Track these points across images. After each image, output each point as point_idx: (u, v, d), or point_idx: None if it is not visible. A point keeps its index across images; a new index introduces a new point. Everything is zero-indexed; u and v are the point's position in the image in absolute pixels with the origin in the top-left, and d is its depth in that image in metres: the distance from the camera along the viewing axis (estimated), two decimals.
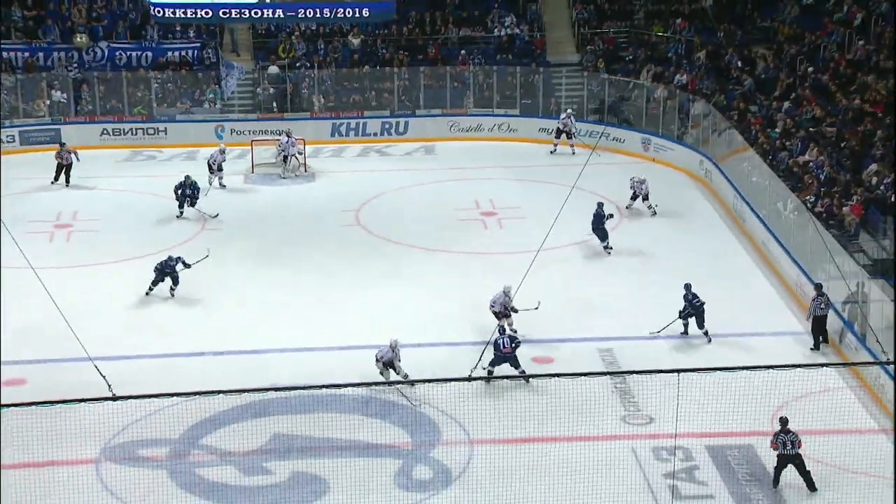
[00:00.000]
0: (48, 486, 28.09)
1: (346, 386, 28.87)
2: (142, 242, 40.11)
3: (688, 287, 34.62)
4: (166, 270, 34.37)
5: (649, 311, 35.79)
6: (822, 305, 33.74)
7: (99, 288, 37.90)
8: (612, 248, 40.39)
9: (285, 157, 49.07)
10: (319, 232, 43.07)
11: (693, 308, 34.36)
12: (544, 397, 30.51)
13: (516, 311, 32.93)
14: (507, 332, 31.64)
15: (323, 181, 49.24)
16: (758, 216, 41.78)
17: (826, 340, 34.12)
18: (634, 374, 31.57)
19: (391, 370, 29.97)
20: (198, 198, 42.98)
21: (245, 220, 44.43)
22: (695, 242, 40.89)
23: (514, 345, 30.94)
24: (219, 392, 29.09)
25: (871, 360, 31.66)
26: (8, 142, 51.41)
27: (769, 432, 29.94)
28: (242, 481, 28.55)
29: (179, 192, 43.05)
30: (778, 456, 26.30)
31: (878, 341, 30.49)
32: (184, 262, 32.94)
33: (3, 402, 28.66)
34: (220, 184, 45.61)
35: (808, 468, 26.24)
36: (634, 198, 44.57)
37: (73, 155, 44.55)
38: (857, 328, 33.53)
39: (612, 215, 40.83)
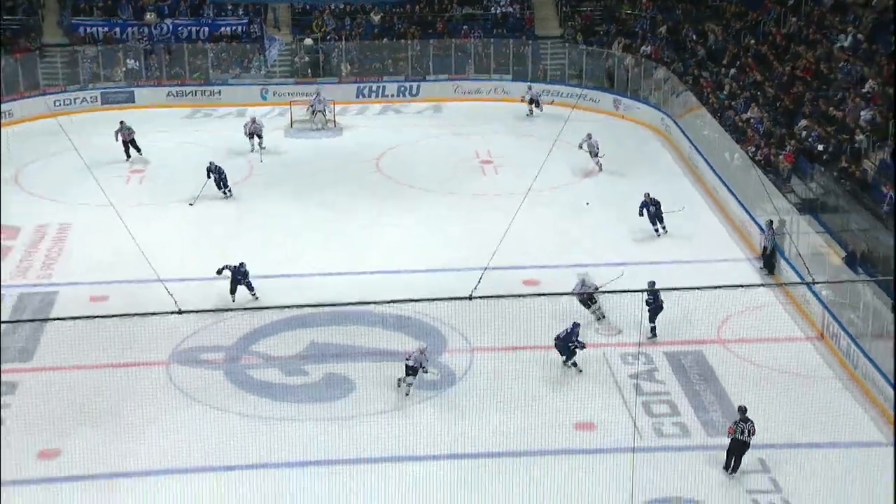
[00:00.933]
0: (131, 382, 28.46)
1: (369, 303, 28.98)
2: (201, 185, 40.07)
3: (646, 195, 36.03)
4: (240, 279, 32.15)
5: (619, 240, 35.96)
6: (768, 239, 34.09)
7: (167, 222, 38.02)
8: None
9: (314, 112, 49.30)
10: (347, 176, 43.05)
11: (654, 206, 35.93)
12: (532, 314, 30.61)
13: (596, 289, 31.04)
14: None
15: (349, 134, 49.17)
16: (709, 164, 41.76)
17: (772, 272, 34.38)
18: (606, 294, 31.72)
19: (417, 373, 28.01)
20: (225, 179, 40.69)
21: (286, 166, 44.43)
22: (658, 186, 40.87)
23: (577, 343, 28.71)
24: (265, 308, 29.43)
25: (799, 280, 31.83)
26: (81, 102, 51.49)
27: (717, 340, 30.28)
28: (284, 381, 28.78)
29: (210, 177, 40.81)
30: (732, 440, 24.57)
31: (804, 265, 30.64)
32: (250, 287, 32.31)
33: (91, 314, 28.94)
34: (261, 146, 44.93)
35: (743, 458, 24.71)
36: (595, 155, 42.92)
37: (131, 132, 43.76)
38: (788, 255, 33.67)
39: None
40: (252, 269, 32.98)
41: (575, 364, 28.78)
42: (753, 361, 29.45)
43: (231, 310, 28.98)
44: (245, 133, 44.97)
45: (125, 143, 43.34)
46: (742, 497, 24.35)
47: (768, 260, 34.47)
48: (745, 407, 24.63)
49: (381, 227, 38.03)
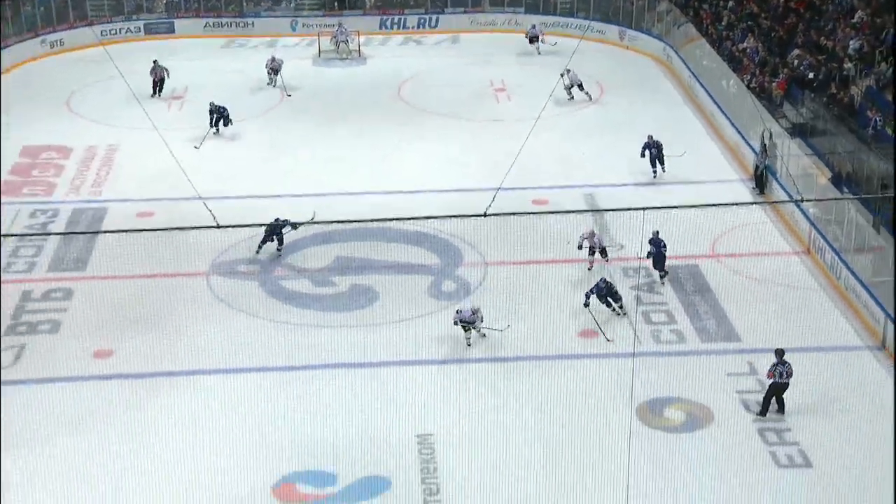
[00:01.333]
0: (174, 291, 28.82)
1: (391, 220, 29.18)
2: (237, 109, 40.04)
3: (649, 137, 35.01)
4: (275, 232, 30.08)
5: (623, 164, 35.96)
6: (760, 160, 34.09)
7: (206, 144, 38.08)
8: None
9: (337, 43, 49.14)
10: (370, 102, 42.96)
11: (656, 147, 34.79)
12: (542, 230, 30.80)
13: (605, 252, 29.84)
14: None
15: (372, 63, 48.95)
16: (707, 91, 41.56)
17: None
18: (610, 212, 31.84)
19: (472, 330, 26.53)
20: (228, 117, 38.95)
21: (313, 93, 44.31)
22: (658, 113, 40.77)
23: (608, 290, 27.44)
24: (294, 223, 29.57)
25: (788, 199, 31.88)
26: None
27: (711, 255, 30.42)
28: (314, 291, 29.06)
29: (212, 117, 39.02)
30: (771, 385, 23.46)
31: (794, 184, 30.73)
32: (291, 225, 30.13)
33: (138, 228, 29.28)
34: (284, 85, 44.10)
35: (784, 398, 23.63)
36: (569, 88, 41.31)
37: (164, 71, 43.27)
38: (779, 175, 33.71)
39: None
40: (282, 189, 33.12)
41: (621, 307, 27.75)
42: (744, 274, 29.63)
43: (266, 225, 29.15)
44: (266, 69, 44.60)
45: (155, 82, 42.76)
46: (731, 397, 24.61)
47: (760, 180, 34.50)
48: (782, 350, 23.60)
49: (401, 151, 38.05)
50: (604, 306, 27.49)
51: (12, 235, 31.33)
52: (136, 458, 22.73)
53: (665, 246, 28.67)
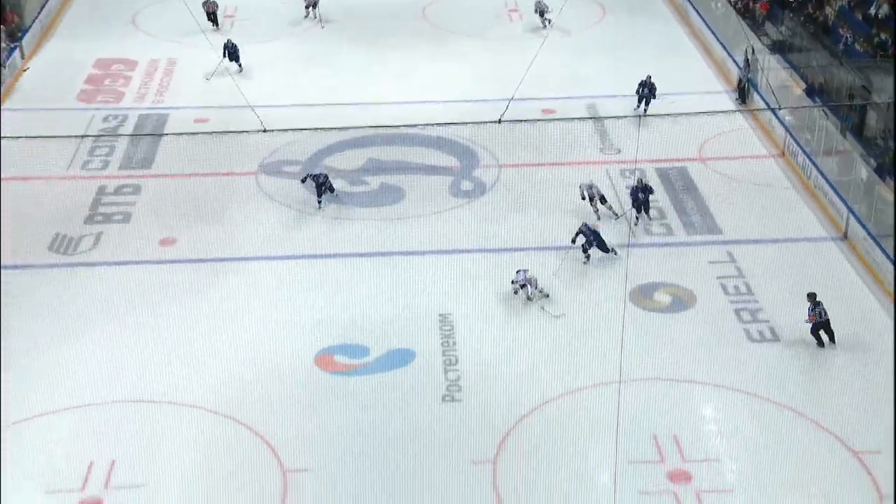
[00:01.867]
0: (228, 187, 28.95)
1: (416, 126, 29.20)
2: (279, 29, 39.64)
3: (648, 77, 32.94)
4: (324, 185, 27.73)
5: (622, 79, 35.48)
6: (743, 73, 33.63)
7: (255, 58, 37.76)
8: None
9: None
10: (397, 24, 42.24)
11: (649, 88, 32.70)
12: (551, 138, 30.78)
13: (605, 201, 27.27)
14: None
15: None
16: (696, 11, 40.96)
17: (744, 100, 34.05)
18: (609, 119, 31.74)
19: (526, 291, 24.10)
20: (238, 56, 36.47)
21: (345, 15, 43.58)
22: (651, 33, 40.09)
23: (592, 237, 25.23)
24: (332, 129, 29.52)
25: (766, 107, 31.70)
26: None
27: (697, 158, 30.32)
28: (349, 189, 29.09)
29: (225, 52, 36.28)
30: (815, 324, 22.16)
31: (773, 95, 30.54)
32: (330, 187, 27.94)
33: (192, 131, 29.35)
34: (320, 17, 41.97)
35: (832, 328, 22.27)
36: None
37: (215, 5, 41.86)
38: (759, 87, 33.47)
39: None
40: (320, 99, 32.98)
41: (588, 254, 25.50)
42: (727, 174, 29.58)
43: (304, 129, 29.08)
44: (305, 4, 43.51)
45: (209, 14, 41.42)
46: (713, 282, 24.77)
47: (742, 92, 34.24)
48: (813, 293, 22.37)
49: (426, 65, 37.69)
50: (593, 251, 25.38)
51: (87, 136, 31.50)
52: (194, 332, 23.11)
53: (652, 190, 27.24)
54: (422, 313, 23.65)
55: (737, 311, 23.76)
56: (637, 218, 27.09)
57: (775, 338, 22.88)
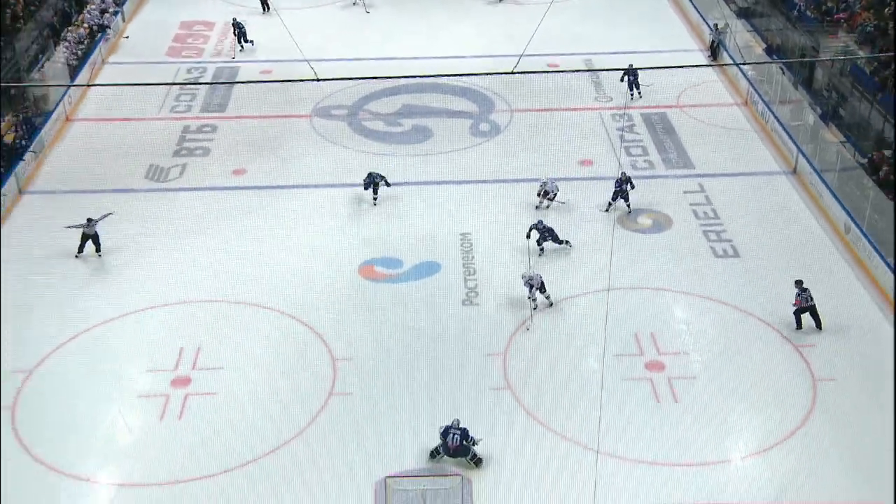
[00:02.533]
0: (288, 128, 28.74)
1: (442, 76, 28.81)
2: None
3: (630, 65, 29.50)
4: (375, 180, 24.53)
5: (612, 38, 34.86)
6: (714, 35, 32.91)
7: (309, 20, 37.04)
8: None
9: None
10: None
11: (633, 75, 29.46)
12: (555, 88, 30.41)
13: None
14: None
15: None
16: None
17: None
18: (602, 72, 31.25)
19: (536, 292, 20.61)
20: (245, 34, 33.93)
21: None
22: (638, 1, 38.89)
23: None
24: (371, 77, 29.19)
25: (733, 62, 31.18)
26: None
27: (676, 105, 29.90)
28: (385, 129, 28.90)
29: (234, 30, 34.04)
30: (801, 307, 19.79)
31: (739, 53, 30.01)
32: (386, 182, 24.80)
33: (258, 80, 29.03)
34: (365, 2, 39.48)
35: (818, 314, 19.93)
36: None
37: None
38: (728, 46, 32.83)
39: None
40: (363, 54, 32.52)
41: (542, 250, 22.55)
42: (699, 119, 29.19)
43: (352, 78, 28.75)
44: None
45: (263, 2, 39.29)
46: (686, 208, 24.57)
47: (713, 50, 33.58)
48: (800, 280, 20.10)
49: (452, 26, 36.98)
50: (548, 244, 22.55)
51: (175, 84, 31.33)
52: (260, 246, 23.20)
53: (633, 185, 23.96)
54: (446, 233, 23.60)
55: (705, 233, 23.59)
56: (609, 205, 23.88)
57: (736, 254, 22.75)
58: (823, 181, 24.68)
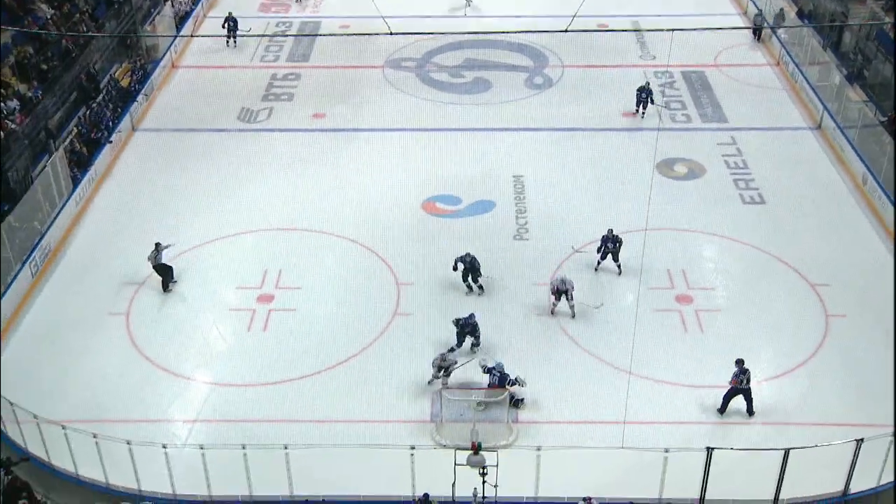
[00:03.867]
0: (363, 77, 28.48)
1: (502, 33, 28.41)
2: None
3: (647, 83, 25.88)
4: (469, 331, 17.54)
5: (659, 1, 33.74)
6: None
7: None
8: None
9: None
10: None
11: (647, 93, 25.40)
12: (604, 46, 29.74)
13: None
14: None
15: None
16: None
17: None
18: (647, 32, 30.52)
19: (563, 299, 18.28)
20: (237, 29, 30.29)
21: None
22: None
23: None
24: (438, 33, 28.79)
25: (768, 27, 30.12)
26: None
27: (713, 65, 29.11)
28: (449, 80, 28.48)
29: (226, 25, 30.23)
30: (733, 388, 15.91)
31: (773, 17, 28.95)
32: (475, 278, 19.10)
33: (338, 34, 28.80)
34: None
35: (752, 398, 16.05)
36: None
37: None
38: (764, 13, 31.65)
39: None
40: (431, 12, 31.96)
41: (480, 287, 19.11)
42: (734, 78, 28.38)
43: (422, 33, 28.35)
44: None
45: None
46: (719, 159, 24.08)
47: (757, 32, 32.17)
48: (741, 359, 16.05)
49: None
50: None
51: (264, 36, 31.30)
52: (336, 181, 23.28)
53: (620, 242, 19.36)
54: (501, 174, 23.46)
55: (735, 181, 23.13)
56: (598, 263, 19.67)
57: (762, 201, 22.31)
58: (846, 137, 23.95)
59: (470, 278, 19.08)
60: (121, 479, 14.79)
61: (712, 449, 14.05)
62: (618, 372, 16.94)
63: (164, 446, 14.42)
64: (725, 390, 16.10)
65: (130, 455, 14.35)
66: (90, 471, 14.95)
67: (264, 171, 23.76)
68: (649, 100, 24.84)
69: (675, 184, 23.05)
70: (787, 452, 13.93)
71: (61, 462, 15.15)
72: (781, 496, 14.33)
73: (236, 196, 22.64)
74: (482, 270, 19.11)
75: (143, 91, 26.83)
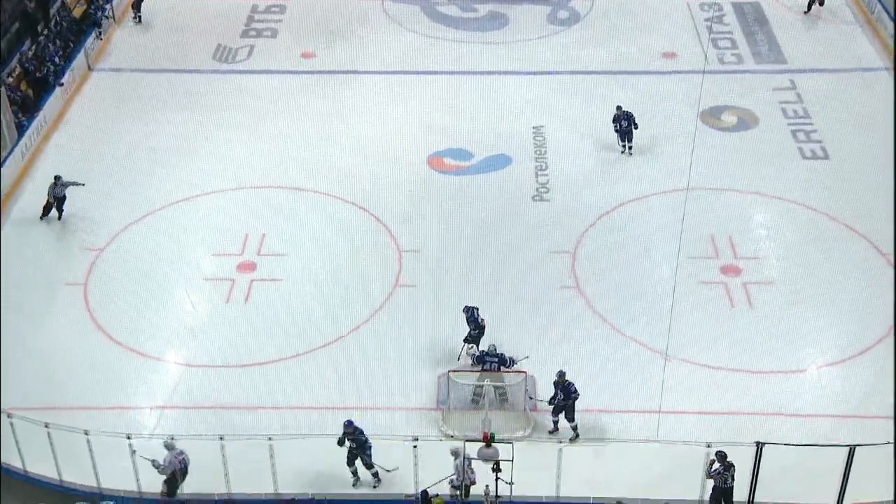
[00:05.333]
0: (360, 11, 28.28)
1: None
2: None
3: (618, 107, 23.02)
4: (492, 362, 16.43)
5: None
6: None
7: None
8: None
9: None
10: None
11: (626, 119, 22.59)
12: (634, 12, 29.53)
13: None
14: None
15: None
16: None
17: None
18: None
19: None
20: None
21: None
22: None
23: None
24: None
25: None
26: None
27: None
28: (459, 14, 28.35)
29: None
30: (714, 488, 14.51)
31: None
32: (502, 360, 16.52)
33: None
34: None
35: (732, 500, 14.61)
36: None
37: None
38: None
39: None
40: None
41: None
42: (794, 10, 28.10)
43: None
44: None
45: None
46: (775, 106, 23.96)
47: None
48: (723, 453, 14.34)
49: None
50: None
51: None
52: (327, 131, 23.32)
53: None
54: (519, 125, 23.42)
55: (793, 132, 23.04)
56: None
57: (826, 156, 22.23)
58: None
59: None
60: (77, 475, 14.94)
61: (762, 444, 14.11)
62: (652, 354, 17.01)
63: (129, 437, 14.54)
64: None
65: (89, 447, 14.49)
66: (41, 467, 15.08)
67: (244, 119, 23.78)
68: (632, 125, 22.05)
69: (722, 136, 23.00)
70: (852, 449, 13.97)
71: (7, 457, 15.25)
72: (845, 501, 14.36)
73: (211, 148, 22.70)
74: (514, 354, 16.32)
75: (100, 21, 26.66)
